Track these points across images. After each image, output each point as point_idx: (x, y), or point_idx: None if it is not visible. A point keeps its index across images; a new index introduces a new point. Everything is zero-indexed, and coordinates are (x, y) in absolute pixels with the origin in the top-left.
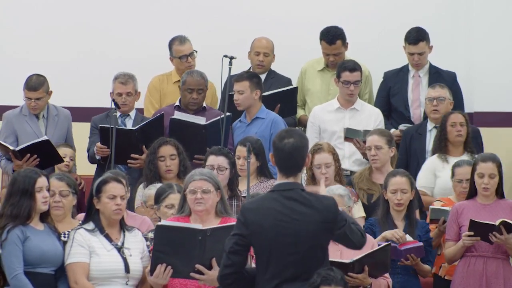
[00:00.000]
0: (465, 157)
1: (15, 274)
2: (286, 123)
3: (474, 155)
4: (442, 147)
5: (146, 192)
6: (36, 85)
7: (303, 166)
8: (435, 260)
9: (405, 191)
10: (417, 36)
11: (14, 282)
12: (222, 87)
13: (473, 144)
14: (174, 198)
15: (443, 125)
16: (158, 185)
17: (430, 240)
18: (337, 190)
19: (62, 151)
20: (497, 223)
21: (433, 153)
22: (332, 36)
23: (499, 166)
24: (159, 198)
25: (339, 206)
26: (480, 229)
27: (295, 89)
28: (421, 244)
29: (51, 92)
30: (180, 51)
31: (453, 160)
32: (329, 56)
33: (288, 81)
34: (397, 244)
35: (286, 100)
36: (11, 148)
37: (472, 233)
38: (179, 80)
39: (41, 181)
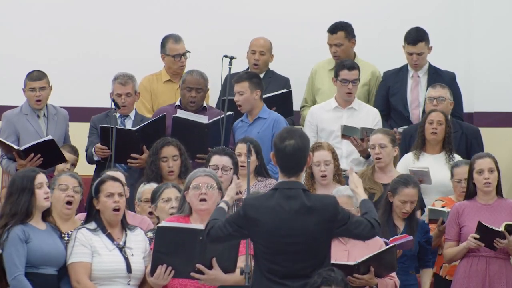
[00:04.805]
0: (443, 155)
1: (15, 275)
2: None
3: (452, 154)
4: (420, 144)
5: (140, 189)
6: (39, 75)
7: (304, 166)
8: (436, 260)
9: (414, 202)
10: (416, 37)
11: (14, 283)
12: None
13: (474, 144)
14: (169, 192)
15: (422, 122)
16: (152, 183)
17: (430, 240)
18: (345, 191)
19: (68, 156)
20: (501, 228)
21: (413, 149)
22: (335, 26)
23: (496, 162)
24: (155, 196)
25: (348, 207)
26: (486, 233)
27: (289, 92)
28: (411, 238)
29: (51, 87)
30: (174, 50)
31: (428, 157)
32: (332, 47)
33: (286, 81)
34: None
35: (281, 103)
36: (16, 147)
37: (478, 236)
38: (169, 80)
39: (40, 178)
